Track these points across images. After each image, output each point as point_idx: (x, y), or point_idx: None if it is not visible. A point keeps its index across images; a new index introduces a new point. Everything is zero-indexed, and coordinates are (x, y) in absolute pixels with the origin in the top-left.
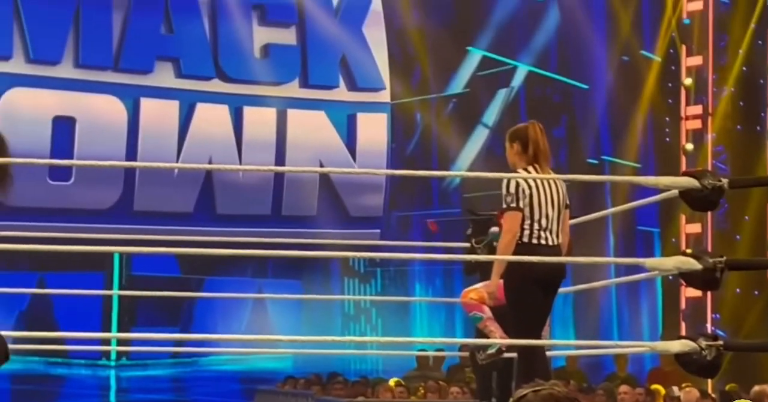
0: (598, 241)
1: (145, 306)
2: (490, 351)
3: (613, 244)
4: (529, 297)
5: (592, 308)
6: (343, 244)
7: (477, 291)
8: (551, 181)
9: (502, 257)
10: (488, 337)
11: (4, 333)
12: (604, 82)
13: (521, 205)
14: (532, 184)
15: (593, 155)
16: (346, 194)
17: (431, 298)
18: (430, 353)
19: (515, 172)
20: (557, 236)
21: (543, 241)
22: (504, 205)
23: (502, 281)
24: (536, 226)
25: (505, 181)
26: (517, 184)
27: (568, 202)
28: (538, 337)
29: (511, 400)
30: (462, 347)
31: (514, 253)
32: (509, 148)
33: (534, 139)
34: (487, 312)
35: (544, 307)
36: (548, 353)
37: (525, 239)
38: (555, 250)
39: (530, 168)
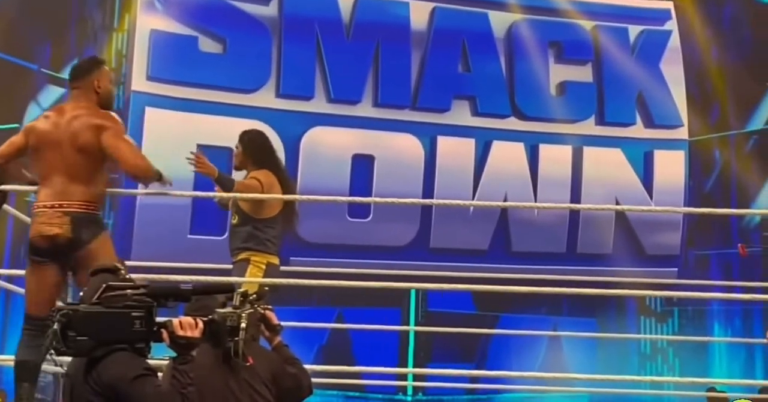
0: None
1: (440, 342)
2: None
3: None
4: None
5: None
6: (640, 282)
7: None
8: None
9: None
10: None
11: (308, 367)
12: None
13: None
14: None
15: None
16: (642, 232)
17: (730, 339)
18: (730, 394)
19: None
20: None
21: None
22: None
23: None
24: None
25: None
26: None
27: None
28: None
29: None
30: (762, 390)
31: None
32: None
33: None
34: None
35: None
36: None
37: None
38: None
39: None
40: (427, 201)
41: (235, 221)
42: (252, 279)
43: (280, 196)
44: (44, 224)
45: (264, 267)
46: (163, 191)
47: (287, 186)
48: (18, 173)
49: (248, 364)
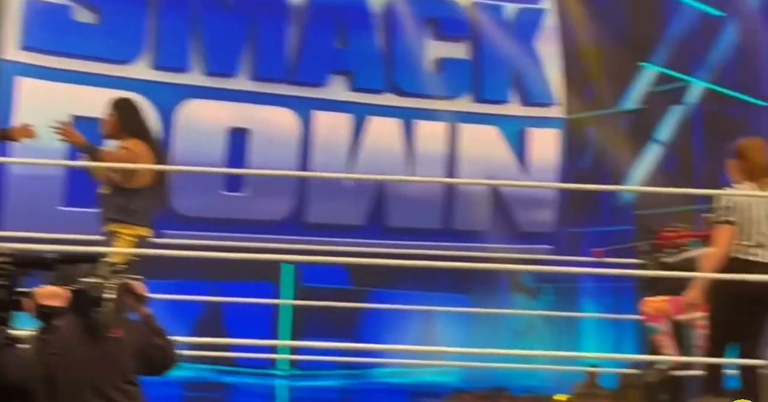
0: None
1: (314, 317)
2: (659, 367)
3: None
4: (730, 314)
5: None
6: (513, 258)
7: (659, 303)
8: None
9: (675, 274)
10: (659, 352)
11: (176, 338)
12: None
13: (734, 219)
14: (750, 199)
15: None
16: (516, 209)
17: (601, 315)
18: (599, 369)
19: (734, 187)
20: None
21: (756, 258)
22: (717, 219)
23: (678, 297)
24: (750, 242)
25: (717, 196)
26: (733, 199)
27: None
28: (721, 357)
29: None
30: (631, 364)
31: (725, 269)
32: (729, 162)
33: (753, 155)
34: (666, 326)
35: (749, 327)
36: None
37: (737, 255)
38: None
39: (748, 183)
40: (303, 173)
41: (104, 190)
42: (121, 250)
43: (154, 166)
44: None
45: (131, 239)
46: (31, 160)
47: (159, 156)
48: None
49: (114, 335)
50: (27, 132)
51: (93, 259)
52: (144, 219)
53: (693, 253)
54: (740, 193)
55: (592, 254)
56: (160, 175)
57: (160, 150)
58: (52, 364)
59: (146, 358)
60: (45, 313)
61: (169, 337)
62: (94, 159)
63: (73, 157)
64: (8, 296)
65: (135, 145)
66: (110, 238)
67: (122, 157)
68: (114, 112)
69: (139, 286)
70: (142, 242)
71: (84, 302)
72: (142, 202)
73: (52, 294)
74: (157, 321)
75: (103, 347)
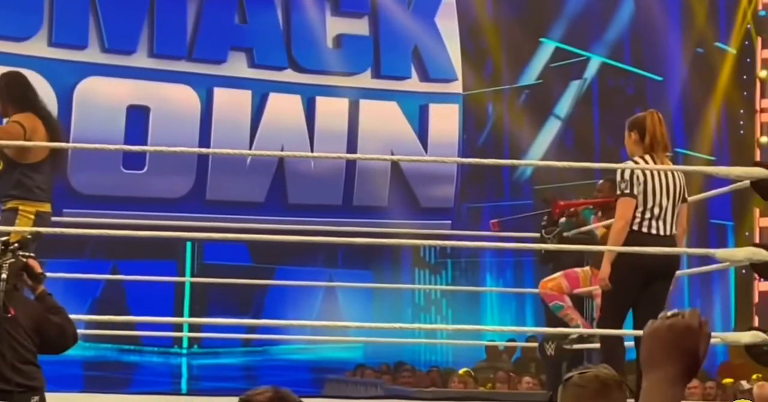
0: None
1: (216, 295)
2: (573, 337)
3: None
4: (624, 286)
5: None
6: (414, 233)
7: (555, 281)
8: (669, 172)
9: (572, 247)
10: (569, 325)
11: (75, 316)
12: (678, 74)
13: (635, 192)
14: (647, 172)
15: None
16: (417, 185)
17: (502, 289)
18: (500, 343)
19: (633, 160)
20: (671, 227)
21: (654, 231)
22: (618, 192)
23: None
24: (648, 214)
25: (620, 169)
26: (632, 172)
27: (686, 195)
28: (620, 327)
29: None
30: (530, 337)
31: (624, 242)
32: (627, 136)
33: (651, 128)
34: (567, 301)
35: (645, 298)
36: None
37: (635, 227)
38: (667, 240)
39: (647, 157)
40: (202, 150)
41: None
42: (21, 228)
43: (53, 144)
44: None
45: (33, 216)
46: None
47: (53, 129)
48: None
49: (9, 314)
50: None
51: None
52: (44, 195)
53: (590, 226)
54: (639, 167)
55: (491, 226)
56: (56, 149)
57: (54, 122)
58: None
59: (43, 336)
60: None
61: (66, 315)
62: None
63: None
64: None
65: (26, 118)
66: (9, 217)
67: (15, 133)
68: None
69: (35, 264)
70: (42, 219)
71: None
72: (39, 177)
73: None
74: (53, 299)
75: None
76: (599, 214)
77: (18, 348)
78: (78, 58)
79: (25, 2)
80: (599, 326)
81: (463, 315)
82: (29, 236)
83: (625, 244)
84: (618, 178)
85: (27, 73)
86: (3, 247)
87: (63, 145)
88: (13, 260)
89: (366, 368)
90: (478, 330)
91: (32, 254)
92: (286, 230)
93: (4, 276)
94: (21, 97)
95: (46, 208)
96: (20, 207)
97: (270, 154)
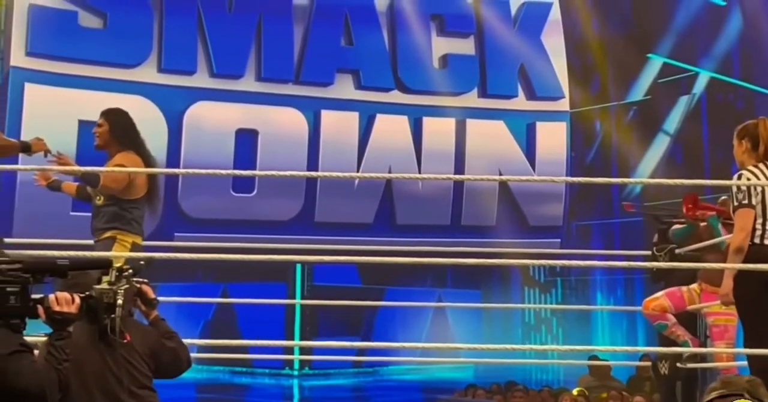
0: None
1: (326, 316)
2: (688, 355)
3: None
4: (759, 304)
5: None
6: (523, 252)
7: (657, 301)
8: None
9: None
10: (676, 343)
11: (188, 341)
12: None
13: (753, 202)
14: (764, 182)
15: None
16: (525, 204)
17: (612, 307)
18: (612, 363)
19: (746, 169)
20: None
21: None
22: (735, 203)
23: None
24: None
25: (735, 179)
26: (748, 181)
27: None
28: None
29: None
30: (644, 356)
31: (745, 257)
32: (737, 145)
33: (765, 136)
34: (671, 319)
35: None
36: None
37: (756, 240)
38: None
39: (761, 166)
40: (311, 173)
41: (100, 202)
42: (132, 254)
43: (165, 170)
44: None
45: (129, 246)
46: (43, 167)
47: (150, 165)
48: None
49: (125, 340)
50: (43, 146)
51: (106, 265)
52: (139, 228)
53: (716, 240)
54: (754, 183)
55: (625, 207)
56: (153, 185)
57: (150, 158)
58: (65, 371)
59: (158, 361)
60: (57, 320)
61: (180, 339)
62: (91, 184)
63: (80, 163)
64: (21, 303)
65: (127, 158)
66: (107, 245)
67: (120, 179)
68: (104, 123)
69: (148, 290)
70: (137, 250)
71: (96, 308)
72: (136, 211)
73: (65, 300)
74: (167, 324)
75: (114, 352)
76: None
77: (134, 373)
78: (187, 84)
79: (135, 30)
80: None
81: (574, 333)
82: (142, 262)
83: (746, 258)
84: (734, 189)
85: (137, 99)
86: (117, 274)
87: (176, 171)
88: (127, 286)
89: (477, 388)
90: (590, 350)
91: (145, 280)
92: (395, 251)
93: (119, 302)
94: (123, 135)
95: (140, 240)
96: (118, 236)
97: (377, 177)
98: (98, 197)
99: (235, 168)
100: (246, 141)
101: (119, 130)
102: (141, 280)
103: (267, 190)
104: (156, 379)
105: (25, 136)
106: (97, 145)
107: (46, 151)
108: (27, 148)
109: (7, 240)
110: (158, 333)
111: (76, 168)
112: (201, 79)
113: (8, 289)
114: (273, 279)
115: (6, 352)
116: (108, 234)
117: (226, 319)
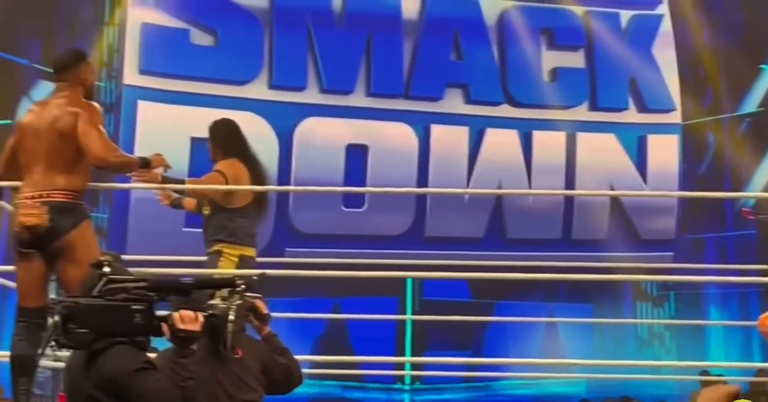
0: None
1: (437, 331)
2: None
3: None
4: None
5: None
6: (636, 267)
7: None
8: None
9: None
10: None
11: (301, 357)
12: None
13: None
14: None
15: None
16: (637, 217)
17: (727, 322)
18: (728, 378)
19: None
20: None
21: None
22: None
23: None
24: None
25: None
26: None
27: None
28: None
29: None
30: (760, 372)
31: None
32: None
33: None
34: None
35: None
36: None
37: None
38: None
39: None
40: (422, 190)
41: (207, 212)
42: (248, 271)
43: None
44: (24, 215)
45: (236, 259)
46: (156, 186)
47: (258, 174)
48: None
49: (237, 356)
50: (162, 161)
51: (230, 284)
52: (248, 239)
53: None
54: None
55: (743, 214)
56: (260, 194)
57: (259, 167)
58: (188, 388)
59: (269, 377)
60: (181, 338)
61: (291, 355)
62: (193, 195)
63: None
64: (146, 321)
65: (229, 166)
66: (214, 260)
67: (215, 183)
68: (210, 136)
69: (261, 305)
70: (246, 262)
71: (219, 326)
72: (244, 221)
73: (189, 319)
74: (279, 339)
75: (226, 367)
76: None
77: (246, 389)
78: (297, 100)
79: (245, 47)
80: None
81: (688, 348)
82: (255, 277)
83: None
84: None
85: (248, 115)
86: (230, 289)
87: (288, 188)
88: (240, 301)
89: None
90: (704, 366)
91: (259, 295)
92: (506, 266)
93: (232, 317)
94: (228, 143)
95: (251, 252)
96: (224, 250)
97: (488, 193)
98: (206, 207)
99: (345, 183)
100: (356, 156)
101: (219, 140)
102: (255, 295)
103: (377, 205)
104: (268, 395)
105: (139, 153)
106: (211, 159)
107: (166, 167)
108: (147, 164)
109: (123, 256)
110: (270, 348)
111: (172, 197)
112: (311, 95)
113: (134, 307)
114: (384, 293)
115: (131, 369)
116: (215, 248)
117: (338, 335)
